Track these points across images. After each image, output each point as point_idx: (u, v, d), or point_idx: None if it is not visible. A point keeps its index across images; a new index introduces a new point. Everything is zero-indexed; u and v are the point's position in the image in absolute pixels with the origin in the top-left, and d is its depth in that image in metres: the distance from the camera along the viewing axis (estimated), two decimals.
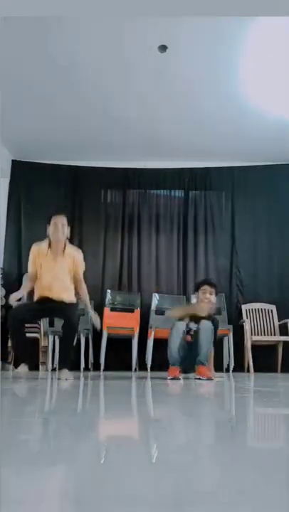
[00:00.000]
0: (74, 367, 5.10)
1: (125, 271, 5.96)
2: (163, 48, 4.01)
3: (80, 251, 3.79)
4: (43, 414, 1.58)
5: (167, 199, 6.20)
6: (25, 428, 1.26)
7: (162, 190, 6.22)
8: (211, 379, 3.44)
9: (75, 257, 3.66)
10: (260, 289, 5.76)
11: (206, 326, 3.59)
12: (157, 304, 5.57)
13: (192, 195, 6.18)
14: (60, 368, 3.48)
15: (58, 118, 5.21)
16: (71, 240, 6.00)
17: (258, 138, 5.49)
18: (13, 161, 6.15)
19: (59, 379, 3.30)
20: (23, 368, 3.44)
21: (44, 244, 3.65)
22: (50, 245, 3.60)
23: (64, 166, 6.12)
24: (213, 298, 3.83)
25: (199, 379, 3.44)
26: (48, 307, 3.57)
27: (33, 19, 3.60)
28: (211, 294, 3.82)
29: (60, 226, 3.56)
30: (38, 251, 3.64)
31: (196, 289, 3.94)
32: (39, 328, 5.26)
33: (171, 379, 3.46)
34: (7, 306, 5.45)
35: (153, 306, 5.49)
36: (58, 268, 3.58)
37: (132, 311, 5.42)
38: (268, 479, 0.72)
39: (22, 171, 6.15)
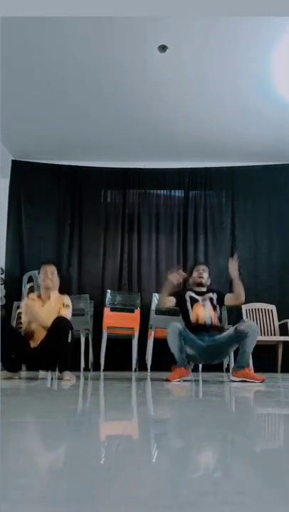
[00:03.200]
0: (74, 367, 5.11)
1: (125, 271, 5.96)
2: (163, 48, 4.01)
3: (67, 297, 3.86)
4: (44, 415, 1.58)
5: (167, 199, 6.20)
6: (23, 428, 1.26)
7: (162, 190, 6.21)
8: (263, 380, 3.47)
9: (61, 301, 3.76)
10: (260, 289, 5.75)
11: (252, 328, 3.56)
12: (157, 304, 5.56)
13: (192, 195, 6.18)
14: (60, 371, 3.52)
15: (58, 118, 5.21)
16: (71, 240, 6.05)
17: (258, 138, 5.49)
18: (13, 161, 6.15)
19: (59, 379, 3.30)
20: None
21: (35, 294, 3.98)
22: (40, 293, 3.84)
23: (64, 166, 6.12)
24: (205, 274, 3.93)
25: (245, 381, 3.46)
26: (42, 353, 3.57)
27: (33, 19, 3.60)
28: (204, 272, 3.94)
29: (49, 274, 3.79)
30: (30, 302, 3.79)
31: (190, 271, 4.04)
32: None
33: (178, 381, 3.37)
34: (7, 307, 5.47)
35: (153, 306, 5.48)
36: (47, 308, 3.70)
37: (132, 311, 5.42)
38: (268, 479, 0.72)
39: (22, 171, 6.15)
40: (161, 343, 5.26)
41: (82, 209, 6.11)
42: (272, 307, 5.62)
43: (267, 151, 5.78)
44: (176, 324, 3.56)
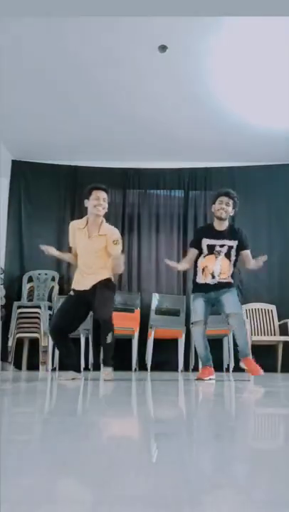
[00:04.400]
0: (74, 367, 5.10)
1: (125, 271, 5.95)
2: (163, 48, 4.01)
3: (117, 230, 3.60)
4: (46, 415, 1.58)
5: (167, 199, 6.20)
6: (23, 428, 1.25)
7: (162, 190, 6.21)
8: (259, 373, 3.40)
9: (107, 235, 3.47)
10: (260, 289, 5.75)
11: (235, 320, 3.48)
12: (157, 304, 5.57)
13: (192, 195, 6.17)
14: (104, 366, 3.43)
15: (58, 118, 5.21)
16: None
17: (257, 138, 5.49)
18: (13, 161, 6.15)
19: (104, 380, 3.30)
20: (68, 375, 3.47)
21: (82, 221, 3.59)
22: (87, 222, 3.53)
23: (64, 166, 6.12)
24: (230, 209, 3.59)
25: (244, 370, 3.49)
26: (82, 303, 3.46)
27: (33, 19, 3.60)
28: (227, 205, 3.58)
29: (101, 200, 3.46)
30: (76, 225, 3.58)
31: (214, 201, 3.70)
32: (39, 328, 5.26)
33: (209, 379, 3.51)
34: (7, 307, 5.47)
35: (153, 306, 5.49)
36: (91, 247, 3.46)
37: (132, 311, 5.41)
38: (269, 479, 0.72)
39: (22, 171, 6.15)
40: (161, 343, 5.28)
41: (82, 209, 6.08)
42: (273, 307, 5.63)
43: (267, 151, 5.77)
44: (198, 329, 3.59)
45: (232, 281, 3.64)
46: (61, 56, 4.12)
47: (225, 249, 3.59)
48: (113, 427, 1.33)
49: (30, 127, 5.41)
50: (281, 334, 5.41)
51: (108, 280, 3.45)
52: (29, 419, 1.47)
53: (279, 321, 5.51)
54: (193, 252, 3.70)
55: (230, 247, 3.60)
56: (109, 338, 3.31)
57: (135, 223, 6.10)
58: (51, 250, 3.56)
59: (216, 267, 3.58)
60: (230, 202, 3.60)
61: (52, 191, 6.11)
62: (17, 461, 0.83)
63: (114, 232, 3.53)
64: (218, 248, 3.58)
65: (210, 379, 3.54)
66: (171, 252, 6.00)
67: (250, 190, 6.07)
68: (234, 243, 3.60)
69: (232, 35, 3.83)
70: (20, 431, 1.20)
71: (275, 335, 5.47)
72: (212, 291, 3.59)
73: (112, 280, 3.54)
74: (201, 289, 3.63)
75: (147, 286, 5.88)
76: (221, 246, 3.59)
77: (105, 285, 3.42)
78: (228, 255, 3.60)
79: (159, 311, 5.45)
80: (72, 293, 3.54)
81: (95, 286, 3.38)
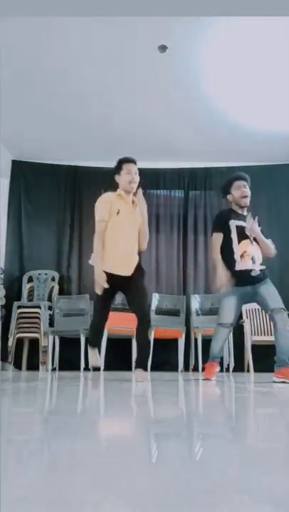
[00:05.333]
0: (74, 367, 5.11)
1: None
2: (163, 48, 4.01)
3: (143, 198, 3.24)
4: (46, 415, 1.58)
5: (167, 199, 6.21)
6: (23, 428, 1.25)
7: (162, 190, 6.22)
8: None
9: (141, 207, 3.17)
10: None
11: (280, 316, 3.06)
12: (157, 304, 5.56)
13: (192, 195, 6.18)
14: (136, 367, 3.14)
15: (58, 118, 5.21)
16: (71, 240, 6.04)
17: (257, 138, 5.49)
18: (13, 161, 6.16)
19: (137, 381, 3.05)
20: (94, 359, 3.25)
21: (116, 193, 3.20)
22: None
23: (64, 166, 6.13)
24: (248, 191, 3.35)
25: (284, 382, 3.00)
26: (117, 288, 3.16)
27: (34, 19, 3.60)
28: (245, 188, 3.35)
29: (133, 173, 3.15)
30: (113, 196, 3.18)
31: (227, 190, 3.41)
32: (39, 328, 5.26)
33: (205, 379, 3.32)
34: (7, 307, 5.47)
35: (153, 306, 5.49)
36: (129, 227, 3.11)
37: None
38: (269, 479, 0.72)
39: (22, 171, 6.15)
40: (161, 343, 5.27)
41: (82, 209, 6.10)
42: None
43: (267, 151, 5.78)
44: (224, 331, 3.34)
45: (264, 268, 3.31)
46: (61, 56, 4.12)
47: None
48: (113, 427, 1.33)
49: (30, 127, 5.41)
50: None
51: (140, 265, 3.17)
52: (29, 419, 1.47)
53: None
54: (218, 238, 3.31)
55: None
56: (149, 336, 3.07)
57: None
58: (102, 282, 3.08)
59: (256, 252, 3.24)
60: (247, 184, 3.34)
61: (52, 191, 6.12)
62: (17, 461, 0.83)
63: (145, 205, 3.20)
64: (248, 232, 3.25)
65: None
66: (171, 252, 6.00)
67: (251, 190, 6.07)
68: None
69: (232, 35, 3.83)
70: (21, 431, 1.20)
71: None
72: (250, 284, 3.23)
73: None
74: (239, 279, 3.22)
75: (147, 286, 5.87)
76: (248, 228, 3.27)
77: (141, 271, 3.15)
78: (256, 240, 3.28)
79: (159, 311, 5.45)
80: (105, 285, 3.03)
81: (133, 273, 3.06)
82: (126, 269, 3.10)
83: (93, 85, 4.59)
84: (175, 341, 5.21)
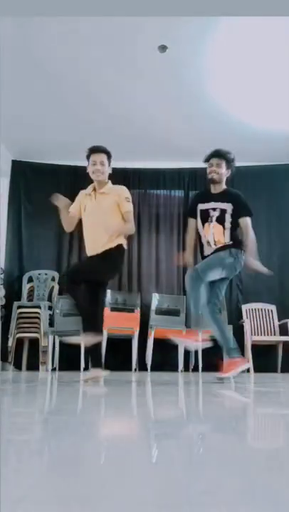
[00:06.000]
0: (74, 367, 5.11)
1: (125, 271, 5.95)
2: (163, 48, 4.01)
3: (125, 188, 3.38)
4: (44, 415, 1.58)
5: (167, 199, 6.21)
6: (23, 428, 1.25)
7: (162, 190, 6.22)
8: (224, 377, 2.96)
9: (118, 194, 3.28)
10: (260, 289, 5.75)
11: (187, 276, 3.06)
12: (157, 304, 5.56)
13: (192, 195, 6.17)
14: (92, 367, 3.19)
15: (58, 118, 5.21)
16: (71, 240, 6.04)
17: (257, 138, 5.49)
18: (13, 161, 6.15)
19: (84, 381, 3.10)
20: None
21: (89, 187, 3.44)
22: (94, 188, 3.37)
23: (64, 166, 6.12)
24: (222, 170, 3.23)
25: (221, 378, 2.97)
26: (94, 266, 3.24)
27: (33, 19, 3.60)
28: (218, 167, 3.24)
29: (98, 165, 3.28)
30: (84, 192, 3.46)
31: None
32: (39, 328, 5.26)
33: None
34: (7, 307, 5.47)
35: (153, 306, 5.49)
36: (99, 211, 3.26)
37: (132, 311, 5.42)
38: (269, 479, 0.72)
39: (22, 171, 6.15)
40: (161, 343, 5.27)
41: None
42: (273, 307, 5.63)
43: (267, 151, 5.78)
44: (188, 273, 3.17)
45: (230, 243, 3.15)
46: (61, 56, 4.12)
47: (217, 213, 3.17)
48: (113, 427, 1.33)
49: (30, 127, 5.41)
50: (281, 334, 5.41)
51: (119, 247, 3.21)
52: (29, 419, 1.47)
53: (279, 321, 5.51)
54: (191, 222, 3.32)
55: (222, 211, 3.17)
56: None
57: (135, 223, 6.09)
58: (61, 202, 3.39)
59: (210, 236, 3.18)
60: (222, 163, 3.24)
61: (52, 191, 6.07)
62: (17, 461, 0.83)
63: (125, 190, 3.33)
64: (211, 213, 3.18)
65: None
66: (171, 252, 6.00)
67: (250, 190, 6.07)
68: (228, 206, 3.18)
69: (232, 35, 3.83)
70: (21, 431, 1.20)
71: (275, 335, 5.48)
72: None
73: (122, 246, 3.27)
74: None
75: (147, 286, 5.88)
76: (214, 209, 3.19)
77: (117, 250, 3.19)
78: (221, 220, 3.16)
79: (159, 311, 5.45)
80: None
81: (105, 253, 3.16)
82: (94, 251, 3.24)
83: (93, 85, 4.59)
84: None
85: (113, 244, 3.19)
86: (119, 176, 6.17)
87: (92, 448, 0.98)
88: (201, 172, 6.17)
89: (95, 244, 3.24)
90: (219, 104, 4.86)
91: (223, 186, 3.31)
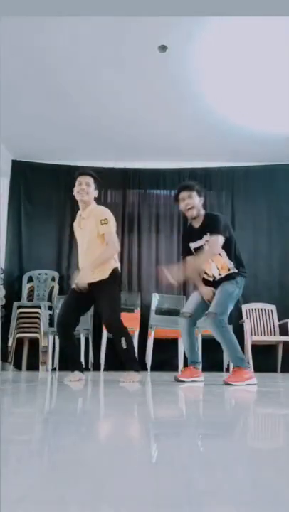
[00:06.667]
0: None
1: (125, 271, 5.96)
2: (163, 48, 4.01)
3: (106, 210, 3.30)
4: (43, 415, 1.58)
5: (167, 199, 6.21)
6: (23, 428, 1.25)
7: (162, 190, 6.22)
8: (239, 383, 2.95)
9: (95, 217, 3.23)
10: (260, 289, 5.75)
11: (208, 321, 3.11)
12: (157, 304, 5.57)
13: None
14: (127, 369, 3.18)
15: (58, 118, 5.21)
16: (71, 240, 6.03)
17: (257, 138, 5.49)
18: (13, 161, 6.15)
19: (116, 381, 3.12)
20: (75, 376, 3.22)
21: (79, 212, 3.43)
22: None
23: (64, 166, 6.12)
24: (193, 201, 3.22)
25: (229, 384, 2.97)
26: (84, 299, 3.25)
27: (33, 19, 3.60)
28: (190, 198, 3.22)
29: (83, 185, 3.28)
30: (75, 222, 3.45)
31: (176, 203, 3.38)
32: (39, 328, 5.26)
33: (177, 380, 3.24)
34: (7, 307, 5.47)
35: (153, 306, 5.49)
36: (84, 235, 3.29)
37: (132, 311, 5.41)
38: (269, 479, 0.72)
39: (22, 171, 6.15)
40: (161, 343, 5.27)
41: None
42: (273, 307, 5.63)
43: (267, 151, 5.78)
44: (181, 320, 3.33)
45: (234, 271, 3.23)
46: (61, 56, 4.12)
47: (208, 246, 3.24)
48: (113, 427, 1.33)
49: (30, 127, 5.41)
50: (281, 334, 5.41)
51: (109, 277, 3.18)
52: (29, 419, 1.47)
53: (279, 321, 5.51)
54: (190, 259, 3.39)
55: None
56: (124, 344, 3.05)
57: (135, 223, 6.10)
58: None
59: (214, 270, 3.28)
60: (193, 193, 3.25)
61: (52, 191, 6.11)
62: (17, 461, 0.83)
63: (103, 212, 3.26)
64: (205, 248, 3.24)
65: (193, 381, 3.29)
66: (171, 252, 6.01)
67: (250, 190, 6.08)
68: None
69: (232, 35, 3.83)
70: (21, 431, 1.20)
71: (275, 335, 5.48)
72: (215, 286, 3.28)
73: (116, 271, 3.24)
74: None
75: (147, 286, 5.88)
76: (205, 244, 3.25)
77: (106, 282, 3.17)
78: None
79: (159, 311, 5.45)
80: (74, 286, 3.28)
81: (95, 283, 3.16)
82: (83, 280, 3.22)
83: (93, 85, 4.59)
84: (175, 341, 5.20)
85: (105, 275, 3.18)
86: (119, 176, 6.19)
87: (92, 448, 0.98)
88: (201, 172, 6.20)
89: (83, 272, 3.22)
90: (219, 103, 4.86)
91: (201, 213, 3.33)
